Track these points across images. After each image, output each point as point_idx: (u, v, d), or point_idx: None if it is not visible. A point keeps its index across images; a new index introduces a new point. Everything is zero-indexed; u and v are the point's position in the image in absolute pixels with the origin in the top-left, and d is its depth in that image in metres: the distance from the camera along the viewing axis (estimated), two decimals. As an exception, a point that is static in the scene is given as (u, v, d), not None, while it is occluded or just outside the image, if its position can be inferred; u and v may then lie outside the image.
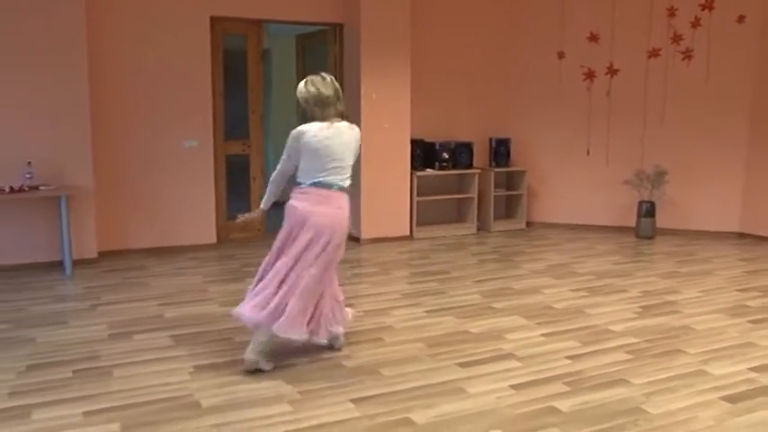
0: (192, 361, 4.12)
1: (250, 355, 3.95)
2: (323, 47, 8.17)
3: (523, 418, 3.41)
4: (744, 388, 3.84)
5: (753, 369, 4.13)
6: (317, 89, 4.02)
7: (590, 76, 8.61)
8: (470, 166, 8.41)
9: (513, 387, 3.80)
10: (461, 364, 4.12)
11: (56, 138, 6.33)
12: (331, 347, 4.33)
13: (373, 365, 4.09)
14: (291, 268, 3.97)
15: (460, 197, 8.51)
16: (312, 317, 4.08)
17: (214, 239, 7.41)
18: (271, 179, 4.24)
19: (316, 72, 4.16)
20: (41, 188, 6.12)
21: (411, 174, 7.97)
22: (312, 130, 3.98)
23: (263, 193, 4.34)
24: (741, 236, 8.29)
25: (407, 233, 8.02)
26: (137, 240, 7.02)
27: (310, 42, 8.62)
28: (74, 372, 3.94)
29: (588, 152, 8.72)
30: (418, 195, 8.05)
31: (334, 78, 4.13)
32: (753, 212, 8.22)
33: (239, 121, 7.69)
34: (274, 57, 10.27)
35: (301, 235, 3.98)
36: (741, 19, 8.00)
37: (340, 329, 4.35)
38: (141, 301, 5.41)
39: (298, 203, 4.03)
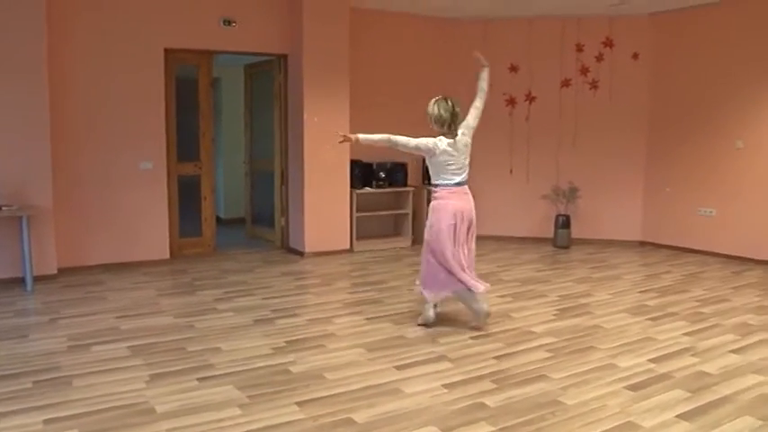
0: (147, 370, 4.03)
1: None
2: (269, 75, 8.13)
3: (455, 414, 3.45)
4: (644, 377, 3.99)
5: (651, 360, 4.29)
6: (439, 112, 4.68)
7: (511, 102, 8.81)
8: (405, 184, 8.48)
9: (445, 386, 3.83)
10: (398, 367, 4.14)
11: (17, 160, 6.12)
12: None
13: (317, 370, 4.07)
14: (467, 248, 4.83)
15: (397, 213, 8.57)
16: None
17: (167, 255, 7.27)
18: (391, 137, 4.75)
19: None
20: (4, 209, 5.89)
21: (351, 192, 7.98)
22: (442, 146, 4.68)
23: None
24: (642, 244, 8.59)
25: (348, 246, 8.02)
26: (94, 257, 6.83)
27: (257, 71, 8.57)
28: (34, 382, 3.81)
29: (511, 171, 8.90)
30: (357, 211, 8.07)
31: (455, 102, 4.77)
32: (650, 223, 8.54)
33: (191, 143, 7.58)
34: (224, 84, 10.18)
35: (461, 223, 4.72)
36: (635, 56, 8.43)
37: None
38: (99, 314, 5.26)
39: (449, 201, 4.73)
